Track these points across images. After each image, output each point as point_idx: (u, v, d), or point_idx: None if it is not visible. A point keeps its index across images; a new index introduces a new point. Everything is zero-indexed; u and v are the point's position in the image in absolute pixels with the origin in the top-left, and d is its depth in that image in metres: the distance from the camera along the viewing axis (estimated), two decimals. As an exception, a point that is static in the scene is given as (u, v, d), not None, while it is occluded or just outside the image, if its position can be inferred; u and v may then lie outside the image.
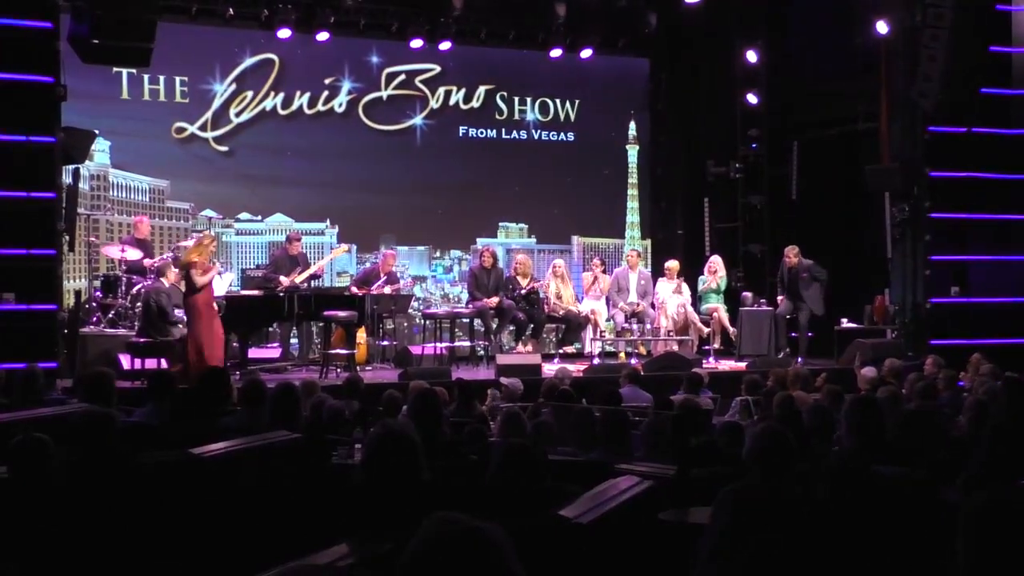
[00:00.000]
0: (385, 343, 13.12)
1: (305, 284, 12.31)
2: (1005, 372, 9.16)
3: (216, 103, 14.00)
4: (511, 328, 13.34)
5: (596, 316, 13.28)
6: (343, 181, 14.70)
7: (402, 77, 14.90)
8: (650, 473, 4.73)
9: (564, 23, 14.50)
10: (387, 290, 12.56)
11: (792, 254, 13.24)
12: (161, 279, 11.11)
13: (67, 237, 11.13)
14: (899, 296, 13.56)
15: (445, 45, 14.32)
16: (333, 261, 14.20)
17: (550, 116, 15.79)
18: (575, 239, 15.95)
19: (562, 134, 15.87)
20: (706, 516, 2.89)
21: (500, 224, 15.63)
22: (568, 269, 14.14)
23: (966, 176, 13.17)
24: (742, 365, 12.51)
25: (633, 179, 16.27)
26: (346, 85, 14.62)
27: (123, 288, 11.96)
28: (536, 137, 15.76)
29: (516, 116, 15.66)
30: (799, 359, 12.61)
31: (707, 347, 13.44)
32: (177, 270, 11.39)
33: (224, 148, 14.11)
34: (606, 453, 5.63)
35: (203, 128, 13.97)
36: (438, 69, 15.03)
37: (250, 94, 14.15)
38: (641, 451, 5.76)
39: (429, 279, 15.39)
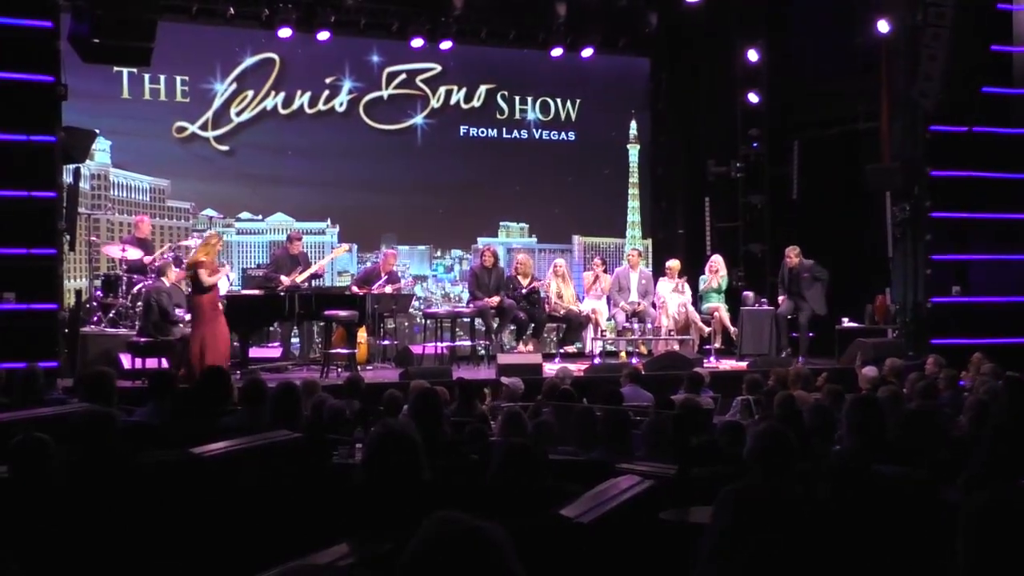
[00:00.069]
0: (386, 342, 13.11)
1: (306, 283, 12.30)
2: (1006, 371, 9.16)
3: (217, 102, 14.00)
4: (512, 328, 13.34)
5: (597, 316, 13.27)
6: (344, 180, 14.70)
7: (403, 76, 14.90)
8: (651, 473, 4.72)
9: (565, 23, 14.50)
10: (388, 289, 12.55)
11: (793, 254, 13.24)
12: (162, 278, 11.11)
13: (68, 236, 11.13)
14: (900, 295, 13.56)
15: (446, 44, 14.32)
16: (334, 260, 14.19)
17: (551, 115, 15.78)
18: (576, 238, 15.95)
19: (563, 133, 15.87)
20: (707, 516, 2.89)
21: (501, 223, 15.62)
22: (569, 268, 14.14)
23: (967, 175, 13.16)
24: (743, 365, 12.50)
25: (634, 178, 16.27)
26: (347, 84, 14.62)
27: (124, 288, 11.96)
28: (537, 137, 15.75)
29: (517, 115, 15.66)
30: (800, 358, 12.60)
31: (708, 347, 13.43)
32: (178, 269, 11.41)
33: (225, 147, 14.11)
34: (607, 452, 5.63)
35: (204, 127, 13.97)
36: (439, 68, 15.03)
37: (251, 93, 14.15)
38: (642, 451, 5.76)
39: (430, 278, 15.39)
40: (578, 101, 15.84)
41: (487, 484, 4.03)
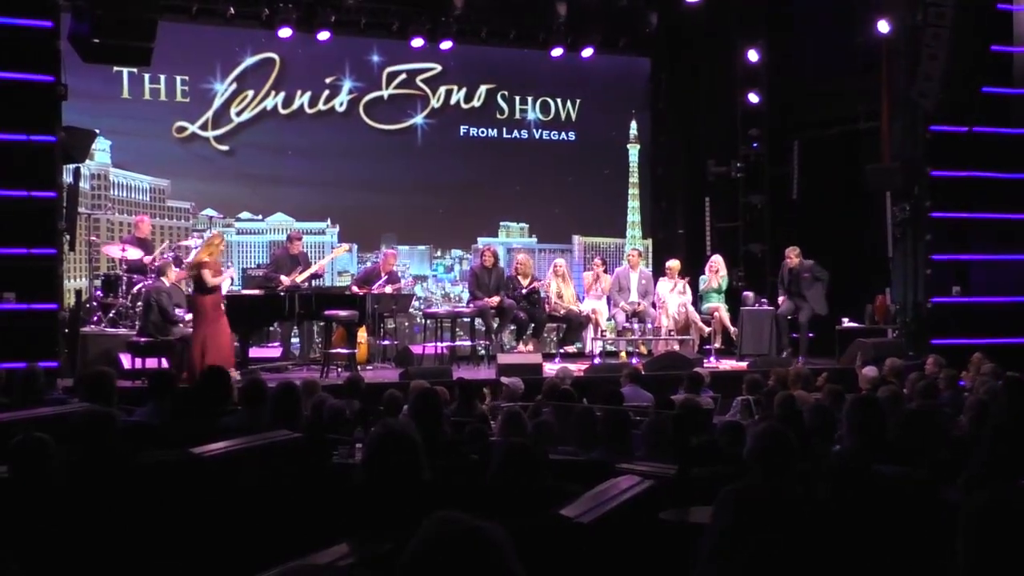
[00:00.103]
0: (386, 342, 13.11)
1: (306, 283, 12.30)
2: (1006, 371, 9.16)
3: (217, 102, 14.00)
4: (512, 327, 13.34)
5: (597, 315, 13.27)
6: (344, 180, 14.70)
7: (403, 76, 14.90)
8: (651, 473, 4.72)
9: (565, 22, 14.50)
10: (388, 289, 12.55)
11: (793, 255, 13.24)
12: (162, 278, 11.10)
13: (68, 236, 11.13)
14: (900, 295, 13.56)
15: (446, 44, 14.32)
16: (334, 260, 14.19)
17: (551, 115, 15.78)
18: (576, 238, 15.95)
19: (563, 133, 15.87)
20: (707, 516, 2.89)
21: (501, 223, 15.62)
22: (569, 268, 14.13)
23: (967, 175, 13.17)
24: (743, 364, 12.50)
25: (634, 178, 16.26)
26: (347, 84, 14.62)
27: (124, 287, 11.96)
28: (537, 136, 15.75)
29: (517, 115, 15.66)
30: (800, 359, 12.60)
31: (708, 347, 13.43)
32: (178, 269, 11.41)
33: (225, 147, 14.11)
34: (607, 452, 5.63)
35: (204, 127, 13.97)
36: (439, 68, 15.02)
37: (251, 93, 14.15)
38: (642, 451, 5.76)
39: (430, 278, 15.39)
40: (578, 101, 15.83)
41: (487, 484, 4.03)
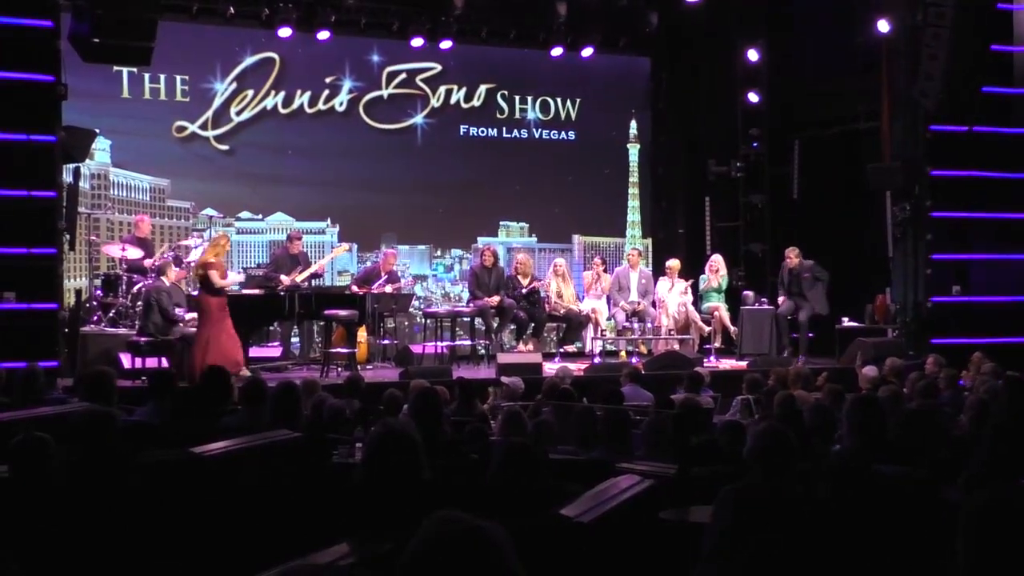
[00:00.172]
0: (386, 342, 13.11)
1: (306, 283, 12.30)
2: (1006, 371, 9.17)
3: (217, 102, 14.00)
4: (512, 327, 13.34)
5: (597, 315, 13.27)
6: (344, 180, 14.70)
7: (403, 76, 14.90)
8: (651, 472, 4.72)
9: (565, 22, 14.50)
10: (388, 289, 12.55)
11: (793, 255, 13.24)
12: (162, 278, 11.10)
13: (68, 236, 11.12)
14: (900, 295, 13.55)
15: (446, 44, 14.32)
16: (334, 260, 14.19)
17: (551, 115, 15.78)
18: (576, 238, 15.95)
19: (563, 133, 15.87)
20: (707, 515, 2.89)
21: (501, 223, 15.62)
22: (569, 268, 14.14)
23: (967, 175, 13.16)
24: (743, 364, 12.49)
25: (634, 178, 16.26)
26: (347, 84, 14.62)
27: (124, 287, 11.96)
28: (537, 136, 15.75)
29: (517, 115, 15.66)
30: (800, 358, 12.60)
31: (708, 346, 13.43)
32: (178, 269, 11.42)
33: (225, 147, 14.11)
34: (607, 452, 5.63)
35: (204, 127, 13.97)
36: (439, 68, 15.02)
37: (251, 93, 14.15)
38: (642, 450, 5.76)
39: (430, 278, 15.39)
40: (578, 101, 15.83)
41: (487, 484, 4.03)
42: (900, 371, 9.93)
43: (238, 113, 14.11)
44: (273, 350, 12.57)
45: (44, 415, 6.29)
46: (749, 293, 13.95)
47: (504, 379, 9.94)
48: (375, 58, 14.78)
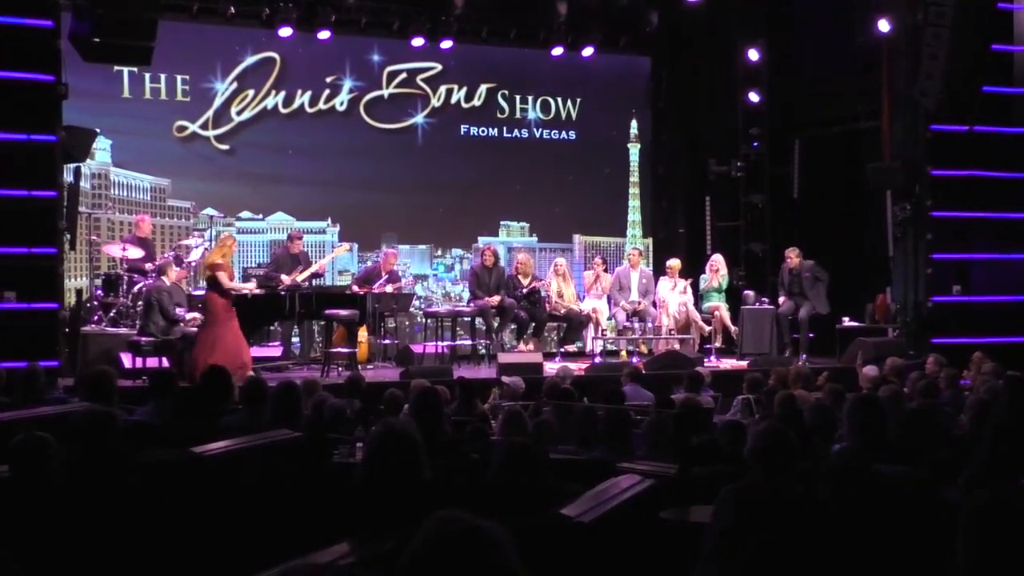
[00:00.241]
0: (386, 342, 13.12)
1: (306, 283, 12.29)
2: (1007, 371, 9.16)
3: (217, 101, 14.00)
4: (512, 327, 13.34)
5: (597, 315, 13.27)
6: (344, 180, 14.70)
7: (403, 75, 14.89)
8: (651, 472, 4.72)
9: (565, 22, 14.51)
10: (388, 289, 12.56)
11: (793, 255, 13.24)
12: (162, 277, 11.10)
13: (68, 236, 11.13)
14: (901, 295, 13.55)
15: (446, 43, 14.32)
16: (334, 260, 14.18)
17: (551, 115, 15.78)
18: (576, 238, 15.95)
19: (563, 133, 15.87)
20: (707, 515, 2.89)
21: (501, 223, 15.62)
22: (569, 268, 14.14)
23: (968, 175, 13.16)
24: (743, 364, 12.49)
25: (634, 178, 16.26)
26: (347, 83, 14.62)
27: (124, 287, 11.96)
28: (537, 136, 15.75)
29: (517, 115, 15.66)
30: (801, 357, 12.61)
31: (708, 346, 13.42)
32: (179, 268, 11.41)
33: (225, 147, 14.11)
34: (607, 452, 5.63)
35: (204, 127, 13.97)
36: (439, 67, 15.02)
37: (251, 92, 14.15)
38: (642, 450, 5.76)
39: (430, 278, 15.39)
40: (579, 100, 15.83)
41: (488, 483, 4.04)
42: (901, 371, 9.93)
43: (239, 113, 14.11)
44: (274, 350, 12.57)
45: (45, 415, 6.29)
46: (750, 293, 13.95)
47: (505, 379, 9.94)
48: (375, 58, 14.78)
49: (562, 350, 13.42)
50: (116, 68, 13.05)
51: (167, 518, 4.21)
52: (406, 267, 14.69)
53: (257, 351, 12.04)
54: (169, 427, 6.24)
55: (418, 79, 14.97)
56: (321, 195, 14.61)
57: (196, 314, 10.93)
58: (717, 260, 13.84)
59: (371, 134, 14.78)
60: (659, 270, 14.18)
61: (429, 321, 13.15)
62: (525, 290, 13.07)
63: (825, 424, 5.87)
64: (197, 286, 12.77)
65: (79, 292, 12.42)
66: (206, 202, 14.10)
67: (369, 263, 14.11)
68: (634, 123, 16.21)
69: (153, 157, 13.88)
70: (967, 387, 9.47)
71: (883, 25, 13.35)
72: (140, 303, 11.37)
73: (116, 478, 4.49)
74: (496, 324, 12.93)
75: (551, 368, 11.52)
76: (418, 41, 14.16)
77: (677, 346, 13.00)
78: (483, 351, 13.19)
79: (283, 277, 12.12)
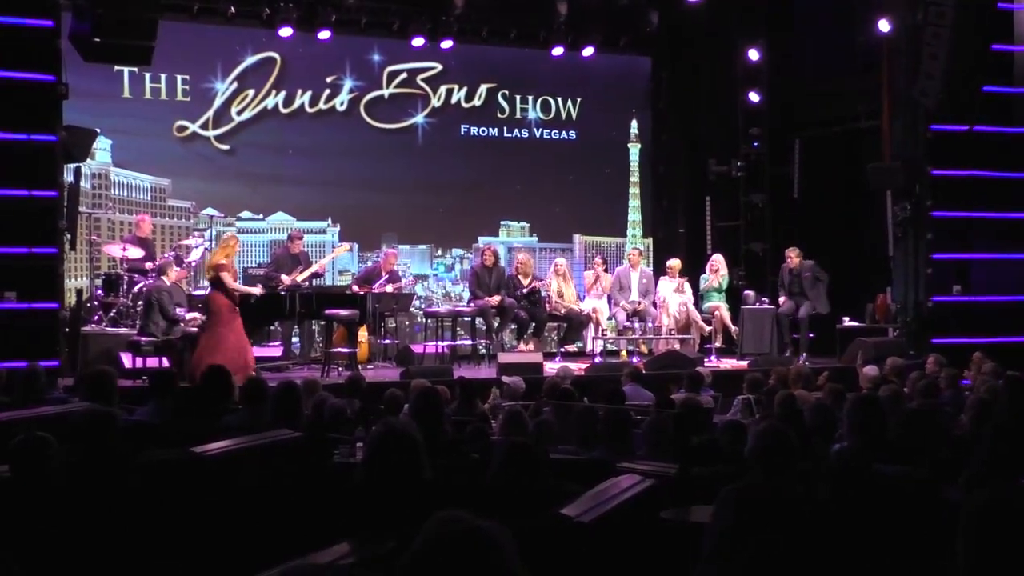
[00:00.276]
0: (387, 342, 13.11)
1: (307, 283, 12.30)
2: (1007, 371, 9.16)
3: (217, 101, 14.00)
4: (513, 327, 13.34)
5: (598, 315, 13.27)
6: (345, 180, 14.69)
7: (404, 75, 14.89)
8: (652, 472, 4.72)
9: (566, 21, 14.50)
10: (389, 289, 12.56)
11: (793, 255, 13.25)
12: (162, 277, 11.10)
13: (68, 236, 11.12)
14: (901, 295, 13.55)
15: (447, 43, 14.32)
16: (335, 260, 14.19)
17: (552, 114, 15.78)
18: (577, 238, 15.94)
19: (564, 132, 15.87)
20: (707, 515, 2.89)
21: (502, 222, 15.62)
22: (570, 268, 14.14)
23: (968, 174, 13.16)
24: (744, 363, 12.49)
25: (635, 177, 16.26)
26: (347, 83, 14.61)
27: (124, 287, 11.96)
28: (537, 135, 15.75)
29: (518, 114, 15.65)
30: (801, 357, 12.61)
31: (709, 346, 13.42)
32: (179, 268, 11.41)
33: (226, 146, 14.11)
34: (607, 452, 5.63)
35: (204, 127, 13.97)
36: (440, 67, 15.02)
37: (251, 92, 14.15)
38: (642, 450, 5.76)
39: (431, 278, 15.39)
40: (579, 100, 15.83)
41: (488, 483, 4.04)
42: (901, 371, 9.92)
43: (239, 113, 14.11)
44: (274, 350, 12.57)
45: (45, 415, 6.30)
46: (750, 293, 13.95)
47: (505, 379, 9.94)
48: (376, 58, 14.78)
49: (562, 350, 13.42)
50: (116, 68, 13.05)
51: (167, 518, 4.21)
52: (406, 267, 14.69)
53: (257, 351, 12.02)
54: (169, 427, 6.24)
55: (418, 79, 14.97)
56: (321, 195, 14.61)
57: (196, 314, 10.93)
58: (717, 260, 13.84)
59: (371, 134, 14.78)
60: (659, 270, 14.18)
61: (429, 321, 13.15)
62: (525, 290, 13.07)
63: (825, 424, 5.87)
64: (198, 286, 12.78)
65: (79, 292, 12.42)
66: (206, 202, 14.12)
67: (369, 263, 14.11)
68: (634, 123, 16.21)
69: (153, 157, 13.88)
70: (967, 387, 9.46)
71: (883, 25, 13.35)
72: (140, 303, 11.37)
73: (116, 478, 4.49)
74: (496, 324, 12.93)
75: (551, 368, 11.52)
76: (418, 41, 14.16)
77: (677, 346, 13.00)
78: (483, 351, 13.19)
79: (283, 277, 12.13)
